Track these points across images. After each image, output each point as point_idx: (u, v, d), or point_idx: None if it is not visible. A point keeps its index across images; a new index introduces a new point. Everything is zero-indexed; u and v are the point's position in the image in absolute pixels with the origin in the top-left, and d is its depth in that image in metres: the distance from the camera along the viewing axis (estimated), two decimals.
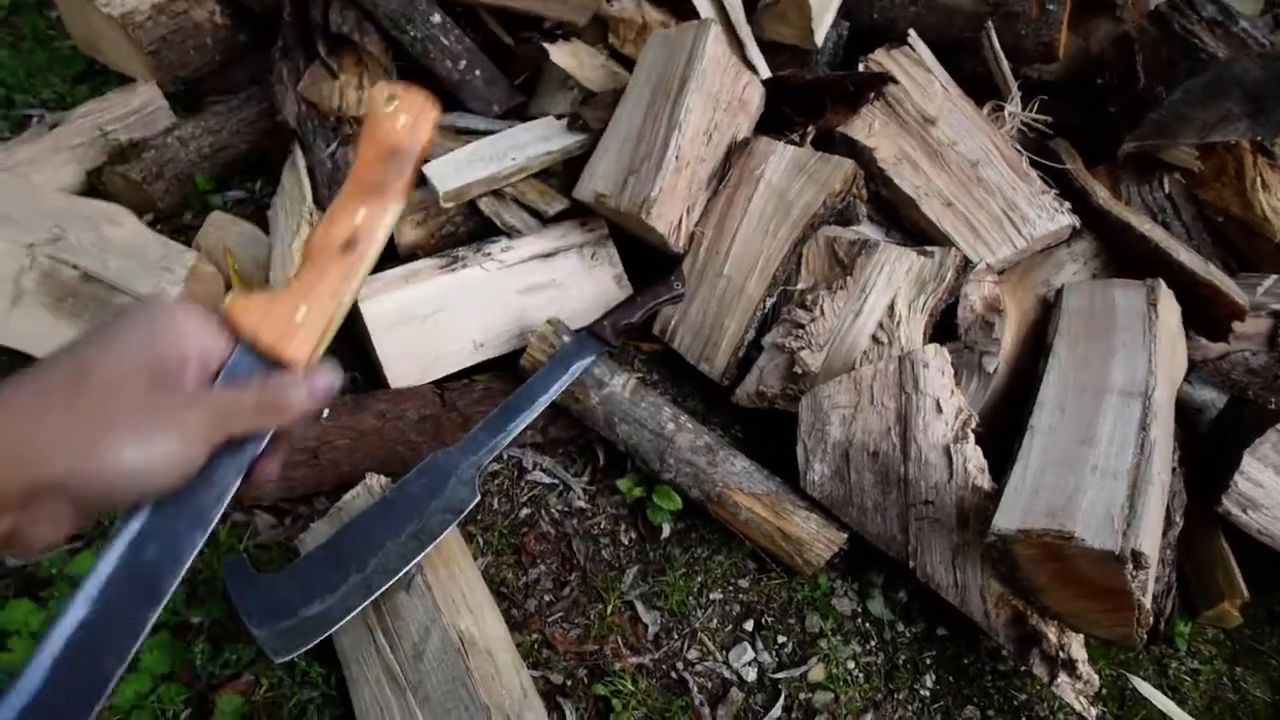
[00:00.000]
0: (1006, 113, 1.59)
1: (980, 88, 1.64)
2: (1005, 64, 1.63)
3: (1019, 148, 1.55)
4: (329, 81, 1.63)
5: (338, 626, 0.98)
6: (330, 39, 1.64)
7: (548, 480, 1.32)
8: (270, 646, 0.96)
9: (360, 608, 0.99)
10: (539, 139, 1.49)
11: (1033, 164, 1.53)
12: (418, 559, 1.02)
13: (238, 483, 0.51)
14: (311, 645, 0.97)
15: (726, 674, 1.16)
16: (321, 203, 1.47)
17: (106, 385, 0.42)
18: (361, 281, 0.54)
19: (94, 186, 1.62)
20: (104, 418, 0.42)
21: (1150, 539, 1.00)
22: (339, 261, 0.53)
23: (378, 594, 1.00)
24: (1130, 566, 0.96)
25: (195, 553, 0.51)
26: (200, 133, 1.67)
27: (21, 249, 1.32)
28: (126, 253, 1.36)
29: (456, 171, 1.43)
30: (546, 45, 1.61)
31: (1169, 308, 1.34)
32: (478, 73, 1.67)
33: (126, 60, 1.75)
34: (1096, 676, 1.09)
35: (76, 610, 0.48)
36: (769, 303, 1.38)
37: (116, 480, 0.42)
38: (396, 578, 1.00)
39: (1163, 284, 1.35)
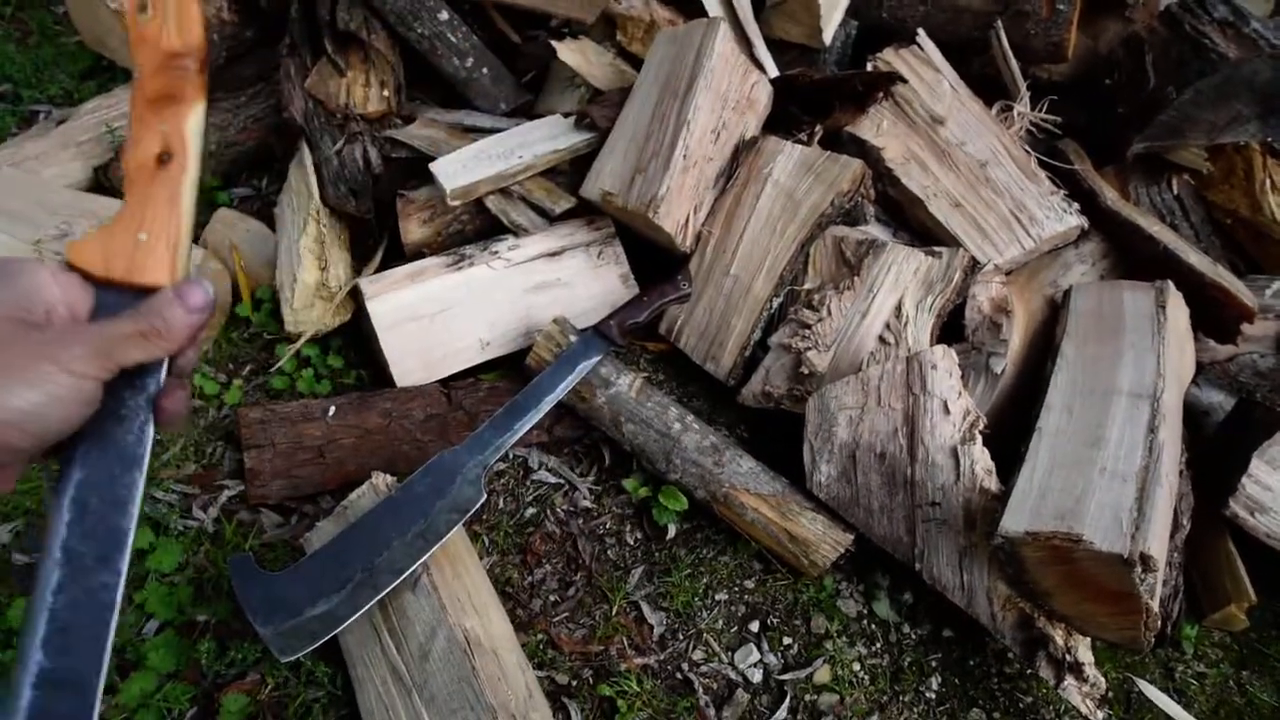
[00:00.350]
0: (1015, 113, 1.58)
1: (989, 88, 1.63)
2: (1014, 64, 1.62)
3: (1027, 148, 1.54)
4: (336, 78, 1.62)
5: (343, 626, 0.98)
6: (337, 36, 1.64)
7: (553, 480, 1.32)
8: (276, 645, 0.96)
9: (366, 607, 0.99)
10: (546, 137, 1.49)
11: (1041, 164, 1.52)
12: (423, 558, 1.02)
13: (149, 419, 0.52)
14: (317, 645, 0.97)
15: (732, 675, 1.16)
16: (328, 200, 1.47)
17: None
18: (194, 188, 0.54)
19: (101, 183, 1.62)
20: None
21: (1158, 542, 0.99)
22: (160, 176, 0.53)
23: (383, 594, 1.00)
24: (1138, 569, 0.96)
25: (139, 492, 0.52)
26: (206, 129, 1.66)
27: (28, 245, 1.32)
28: None
29: (463, 169, 1.42)
30: (554, 43, 1.61)
31: (1177, 309, 1.33)
32: (485, 70, 1.67)
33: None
34: (1103, 679, 1.09)
35: (50, 578, 0.49)
36: (776, 302, 1.37)
37: (14, 420, 0.42)
38: (402, 577, 1.00)
39: (1171, 285, 1.35)
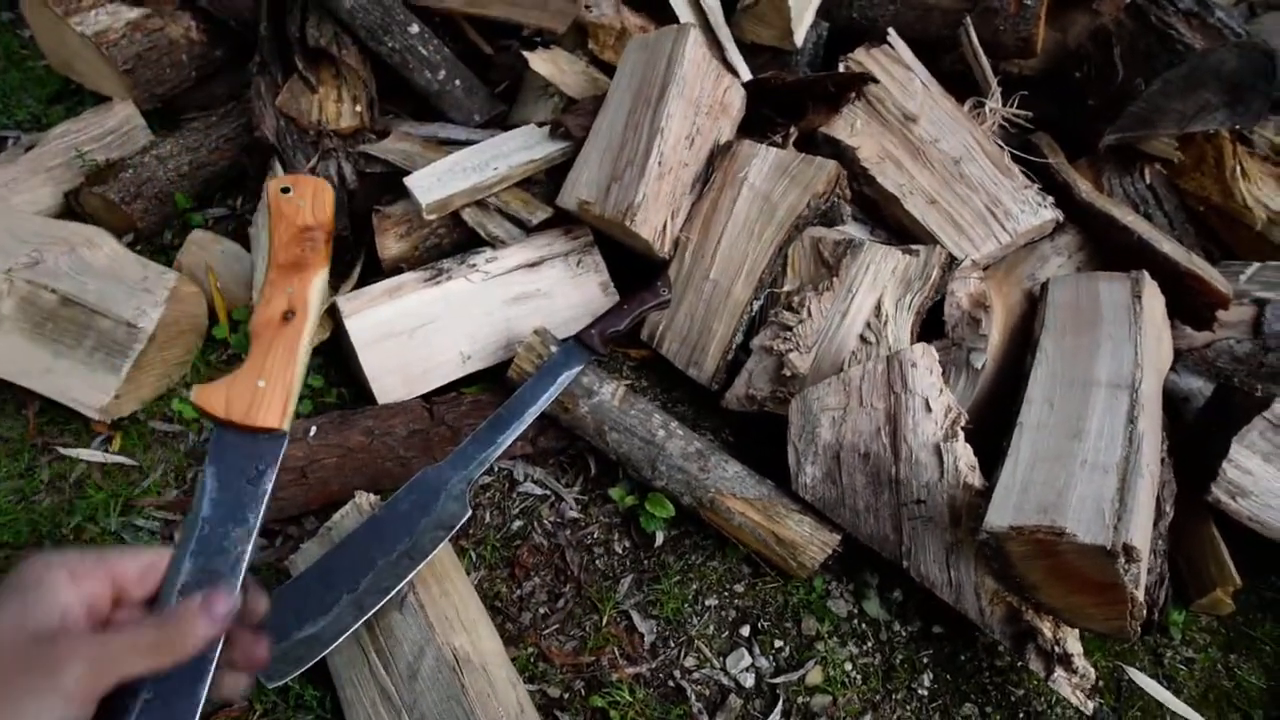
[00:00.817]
0: (987, 108, 1.59)
1: (960, 84, 1.64)
2: (984, 60, 1.63)
3: (1000, 143, 1.55)
4: (308, 95, 1.61)
5: (331, 648, 0.97)
6: (308, 53, 1.63)
7: (539, 491, 1.31)
8: (262, 672, 0.95)
9: (353, 629, 0.98)
10: (521, 148, 1.49)
11: (1015, 159, 1.53)
12: (409, 577, 1.01)
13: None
14: (305, 669, 0.96)
15: (724, 680, 1.16)
16: None
17: None
18: (310, 342, 0.60)
19: (71, 208, 1.61)
20: None
21: (1141, 532, 1.00)
22: (282, 332, 0.58)
23: (370, 614, 0.99)
24: (1122, 560, 0.96)
25: None
26: (178, 150, 1.65)
27: None
28: (106, 275, 1.34)
29: (439, 183, 1.42)
30: (526, 53, 1.60)
31: (1153, 299, 1.34)
32: (457, 82, 1.67)
33: (101, 79, 1.73)
34: (1093, 669, 1.09)
35: None
36: (756, 305, 1.37)
37: None
38: (389, 597, 1.00)
39: (1147, 275, 1.36)
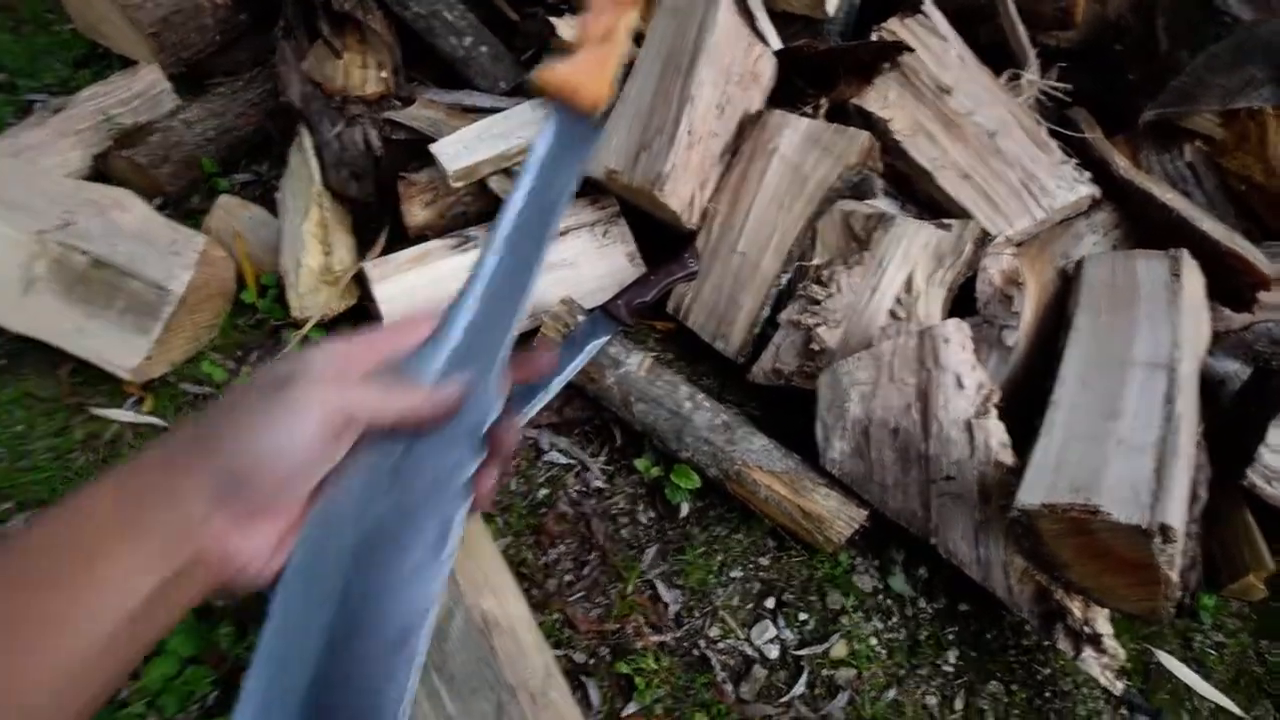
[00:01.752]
0: (1024, 81, 1.56)
1: (997, 56, 1.60)
2: (1022, 31, 1.59)
3: (1037, 117, 1.52)
4: (333, 61, 1.60)
5: None
6: (333, 17, 1.61)
7: (565, 461, 1.31)
8: None
9: None
10: None
11: (1051, 133, 1.50)
12: None
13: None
14: None
15: (749, 651, 1.16)
16: (330, 183, 1.46)
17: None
18: (618, 64, 0.60)
19: (100, 171, 1.61)
20: (231, 409, 0.40)
21: (1177, 512, 0.98)
22: (602, 46, 0.60)
23: None
24: (1158, 540, 0.95)
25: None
26: (205, 115, 1.65)
27: (31, 236, 1.31)
28: (136, 238, 1.34)
29: (465, 150, 1.41)
30: (553, 19, 1.58)
31: (1193, 278, 1.32)
32: (483, 49, 1.65)
33: (128, 43, 1.73)
34: (1121, 650, 1.09)
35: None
36: (784, 279, 1.36)
37: (259, 458, 0.38)
38: None
39: (1186, 254, 1.33)
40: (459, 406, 0.44)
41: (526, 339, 1.36)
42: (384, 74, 1.62)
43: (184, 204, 1.64)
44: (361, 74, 1.61)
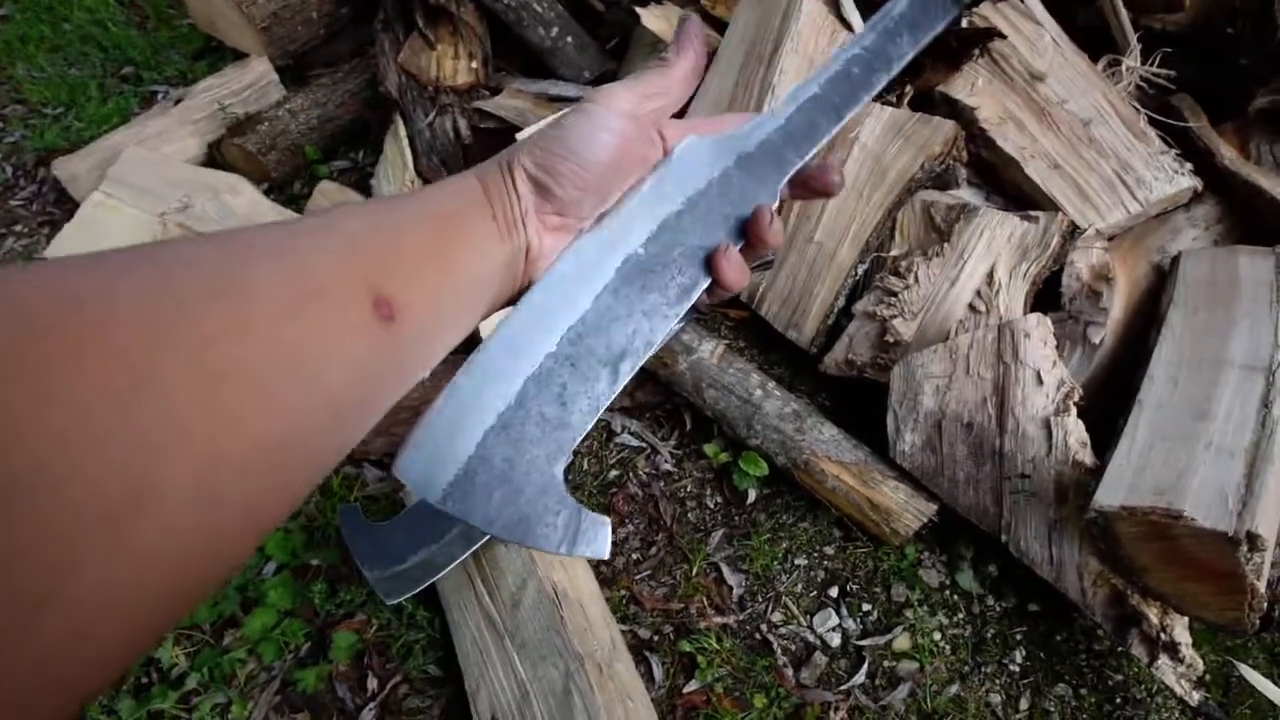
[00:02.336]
0: (1124, 67, 1.49)
1: (1096, 41, 1.54)
2: (1124, 14, 1.52)
3: (1136, 105, 1.45)
4: (427, 52, 1.67)
5: (441, 574, 1.04)
6: (427, 10, 1.69)
7: (635, 443, 1.35)
8: (381, 590, 1.03)
9: (462, 557, 1.05)
10: None
11: (1151, 122, 1.43)
12: None
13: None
14: (418, 590, 1.04)
15: (810, 638, 1.18)
16: (422, 171, 1.53)
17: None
18: None
19: (214, 158, 1.73)
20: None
21: (1268, 521, 0.94)
22: None
23: (478, 545, 1.06)
24: (1245, 549, 0.92)
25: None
26: (308, 105, 1.75)
27: (154, 218, 1.43)
28: (246, 220, 1.45)
29: None
30: (637, 9, 1.61)
31: None
32: (569, 39, 1.69)
33: (241, 36, 1.85)
34: (1200, 660, 1.05)
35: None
36: (861, 269, 1.35)
37: (563, 149, 0.42)
38: None
39: None
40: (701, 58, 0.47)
41: None
42: (474, 64, 1.68)
43: (288, 189, 1.75)
44: (453, 65, 1.68)
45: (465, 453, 0.38)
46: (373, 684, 1.10)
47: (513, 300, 0.43)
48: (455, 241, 0.39)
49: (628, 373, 0.42)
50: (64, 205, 1.72)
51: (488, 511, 0.38)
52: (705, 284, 0.45)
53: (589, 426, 0.41)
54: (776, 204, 0.47)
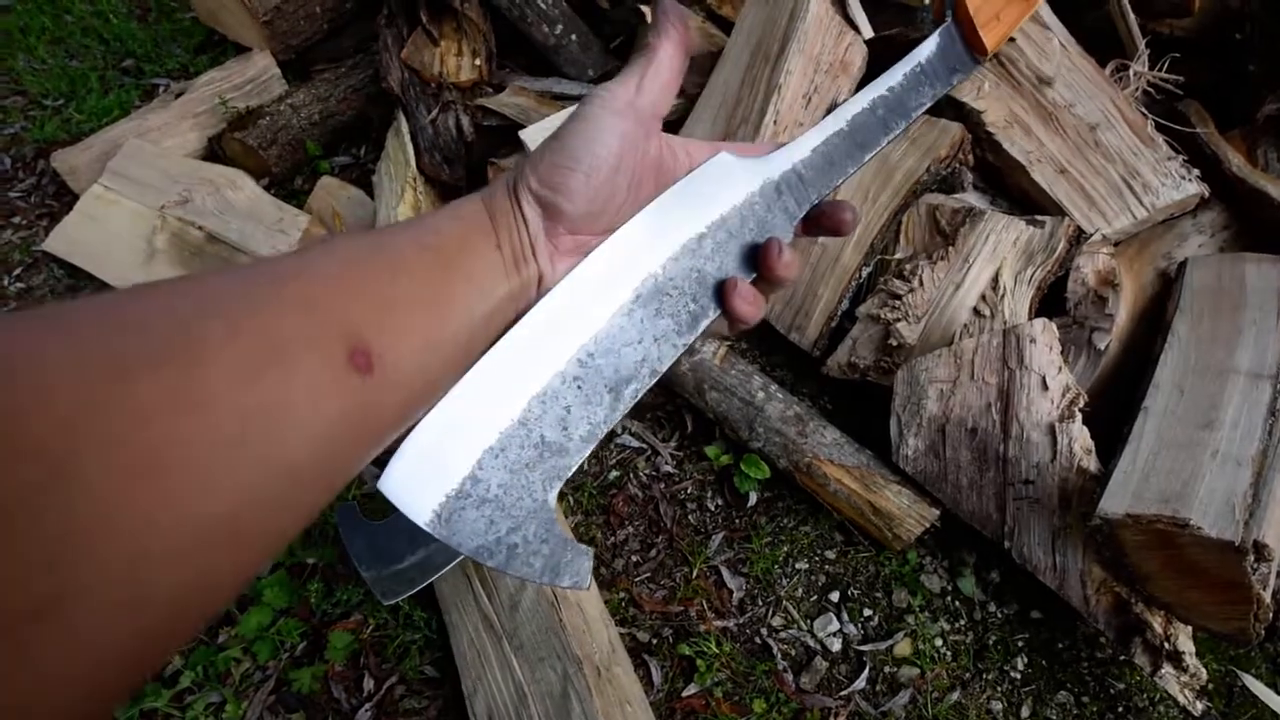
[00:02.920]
0: (1132, 72, 1.48)
1: (1103, 45, 1.53)
2: (1132, 19, 1.51)
3: (1144, 110, 1.45)
4: (430, 48, 1.66)
5: (439, 574, 1.03)
6: (431, 6, 1.67)
7: (636, 444, 1.34)
8: (378, 589, 1.02)
9: (460, 558, 1.04)
10: None
11: (1158, 128, 1.43)
12: None
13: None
14: (415, 590, 1.03)
15: (810, 643, 1.17)
16: (424, 168, 1.52)
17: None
18: (1019, 23, 0.60)
19: (214, 152, 1.72)
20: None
21: (1274, 531, 0.94)
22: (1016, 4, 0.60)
23: None
24: (1251, 558, 0.91)
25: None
26: (310, 100, 1.74)
27: (154, 211, 1.42)
28: (246, 215, 1.44)
29: None
30: (641, 7, 1.60)
31: None
32: (573, 37, 1.68)
33: (243, 30, 1.84)
34: (1203, 670, 1.04)
35: None
36: (865, 272, 1.34)
37: (564, 156, 0.41)
38: None
39: None
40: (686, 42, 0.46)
41: None
42: (478, 62, 1.67)
43: (289, 184, 1.74)
44: (456, 61, 1.67)
45: (459, 473, 0.36)
46: (369, 685, 1.09)
47: None
48: (454, 278, 0.36)
49: (629, 401, 0.41)
50: (63, 198, 1.71)
51: (475, 538, 0.36)
52: (714, 315, 0.44)
53: (585, 454, 0.39)
54: (790, 238, 0.47)
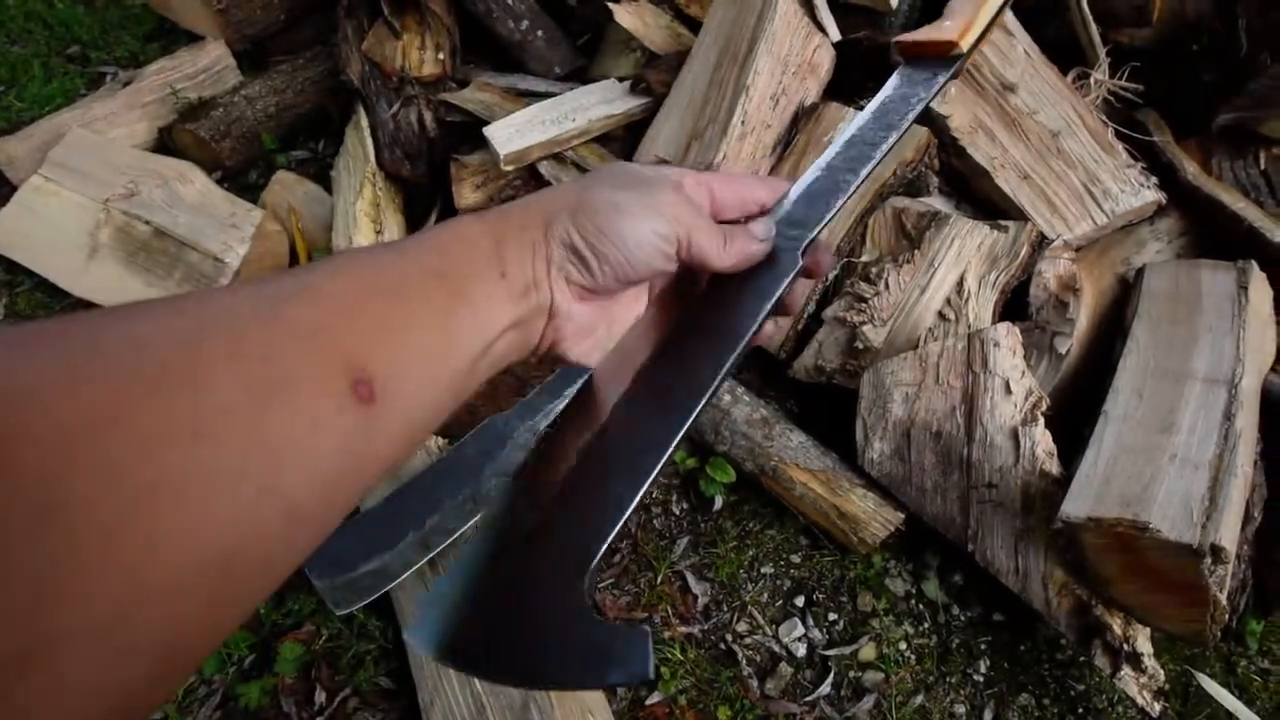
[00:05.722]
0: (1093, 80, 1.50)
1: (1065, 54, 1.55)
2: (1093, 28, 1.53)
3: (1104, 118, 1.47)
4: (392, 41, 1.62)
5: (396, 583, 1.00)
6: None
7: None
8: (331, 599, 0.98)
9: (417, 565, 1.00)
10: (601, 102, 1.47)
11: (1118, 135, 1.45)
12: (473, 520, 1.03)
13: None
14: (370, 600, 0.99)
15: (776, 648, 1.16)
16: (384, 163, 1.48)
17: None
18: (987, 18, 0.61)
19: (164, 143, 1.66)
20: (596, 183, 0.43)
21: (1230, 533, 0.95)
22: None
23: (434, 553, 1.01)
24: (1208, 561, 0.92)
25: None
26: (266, 92, 1.69)
27: (98, 204, 1.36)
28: (196, 209, 1.39)
29: (517, 134, 1.41)
30: (610, 5, 1.57)
31: (1261, 291, 1.26)
32: (540, 33, 1.65)
33: (196, 18, 1.77)
34: (1161, 671, 1.05)
35: None
36: (831, 275, 1.34)
37: (610, 227, 0.40)
38: (453, 538, 1.02)
39: (1255, 266, 1.27)
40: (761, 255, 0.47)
41: None
42: (441, 56, 1.63)
43: (243, 178, 1.68)
44: (419, 55, 1.63)
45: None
46: (320, 698, 1.05)
47: (525, 361, 0.41)
48: (458, 306, 0.35)
49: (635, 501, 0.38)
50: (1, 189, 1.63)
51: (503, 659, 0.33)
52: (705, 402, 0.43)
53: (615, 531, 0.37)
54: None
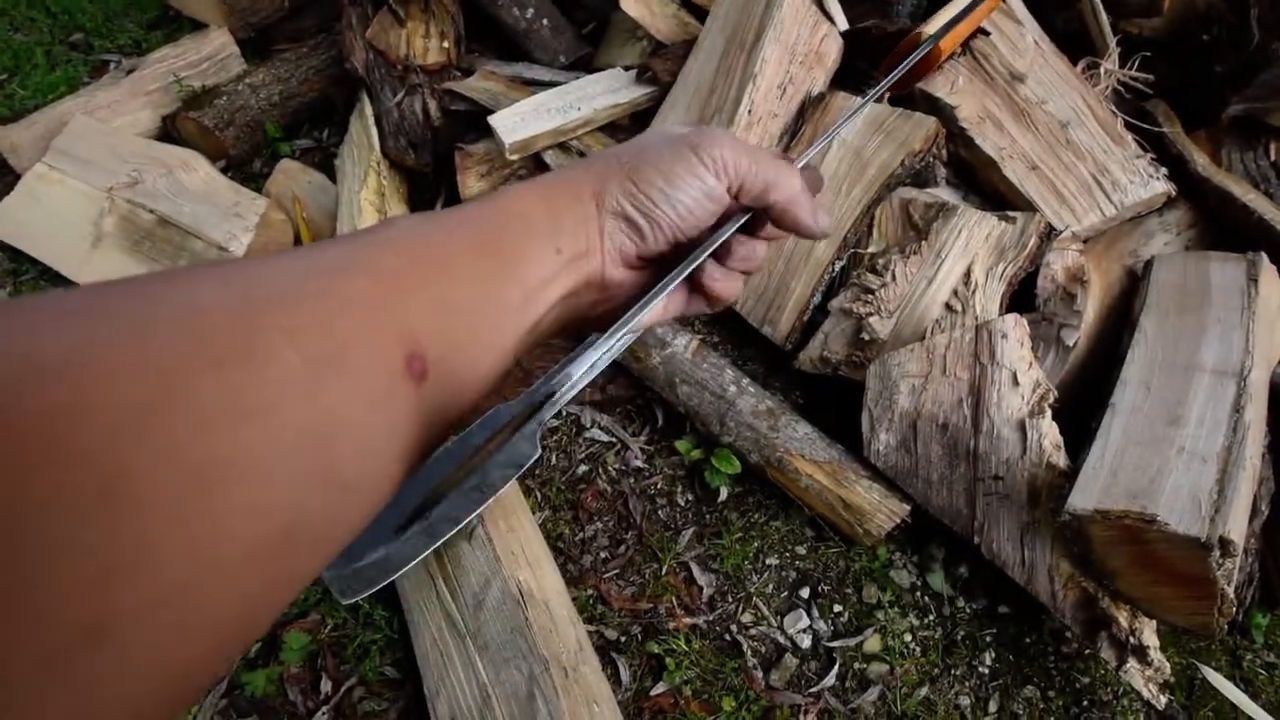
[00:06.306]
0: (1102, 70, 1.49)
1: (1075, 44, 1.54)
2: (1104, 17, 1.52)
3: (1114, 108, 1.45)
4: (396, 29, 1.61)
5: (401, 572, 1.00)
6: None
7: (605, 439, 1.32)
8: (337, 588, 0.98)
9: (423, 555, 0.99)
10: (606, 91, 1.46)
11: (1128, 126, 1.44)
12: (479, 510, 1.03)
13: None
14: (376, 589, 0.99)
15: (780, 639, 1.16)
16: (388, 152, 1.47)
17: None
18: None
19: (168, 132, 1.65)
20: (642, 149, 0.42)
21: (1238, 526, 0.95)
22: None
23: (440, 542, 1.01)
24: (1216, 554, 0.91)
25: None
26: (270, 80, 1.68)
27: (101, 193, 1.35)
28: (200, 198, 1.38)
29: (522, 123, 1.41)
30: None
31: (1270, 283, 1.25)
32: (545, 21, 1.64)
33: (200, 6, 1.77)
34: (1167, 664, 1.05)
35: None
36: (838, 266, 1.33)
37: (653, 193, 0.41)
38: (459, 527, 1.01)
39: (1264, 257, 1.26)
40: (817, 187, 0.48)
41: None
42: (446, 44, 1.62)
43: (247, 167, 1.68)
44: (424, 43, 1.62)
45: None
46: (326, 687, 1.06)
47: (567, 331, 0.42)
48: (511, 286, 0.35)
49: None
50: (4, 177, 1.62)
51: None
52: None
53: None
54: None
